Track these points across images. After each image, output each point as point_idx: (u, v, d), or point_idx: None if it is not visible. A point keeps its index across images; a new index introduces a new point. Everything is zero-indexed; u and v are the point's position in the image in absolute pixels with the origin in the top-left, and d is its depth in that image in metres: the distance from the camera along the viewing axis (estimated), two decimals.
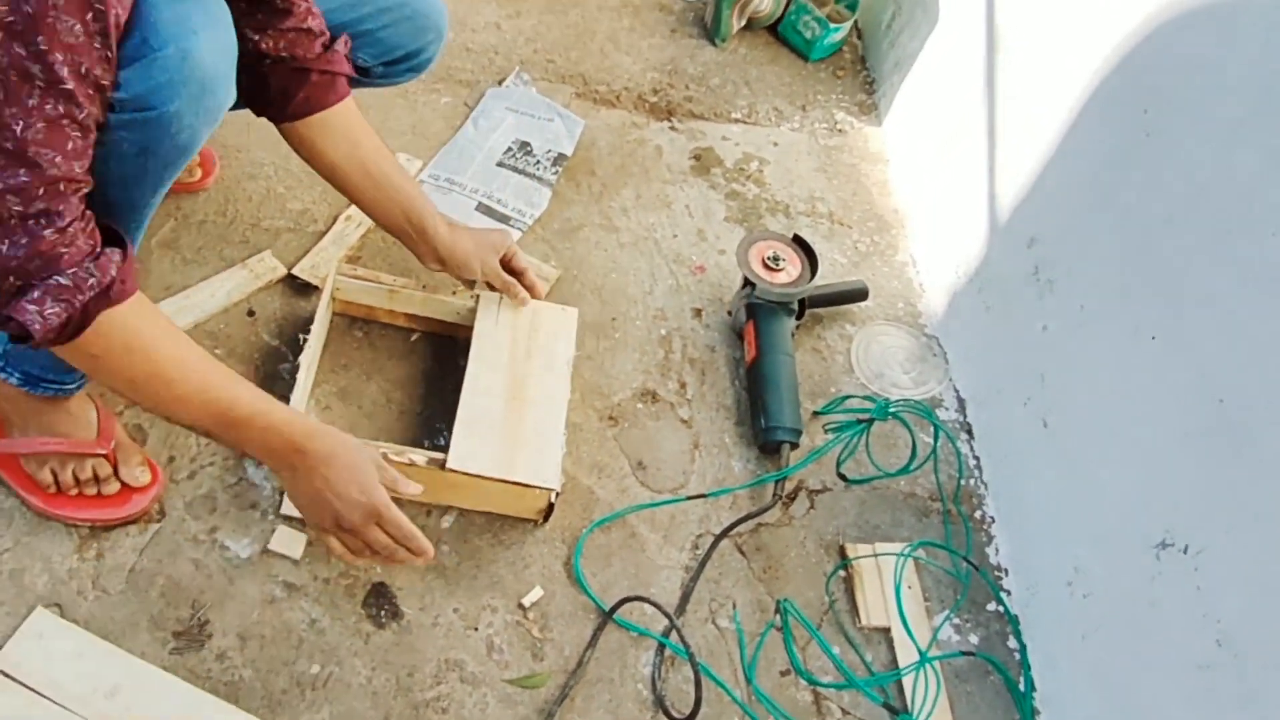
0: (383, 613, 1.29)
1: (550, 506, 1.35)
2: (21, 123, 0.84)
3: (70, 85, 0.85)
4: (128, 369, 1.01)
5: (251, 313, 1.52)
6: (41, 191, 0.88)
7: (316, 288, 1.55)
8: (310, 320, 1.45)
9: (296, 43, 1.23)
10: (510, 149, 1.85)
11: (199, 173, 1.65)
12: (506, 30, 2.12)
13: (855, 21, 2.31)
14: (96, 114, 0.91)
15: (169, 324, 1.05)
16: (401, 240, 1.44)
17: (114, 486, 1.27)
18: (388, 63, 1.43)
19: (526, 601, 1.33)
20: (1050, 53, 1.58)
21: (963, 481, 1.57)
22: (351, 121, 1.33)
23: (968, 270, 1.71)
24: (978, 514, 1.55)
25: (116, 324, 0.97)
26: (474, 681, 1.26)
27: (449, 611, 1.30)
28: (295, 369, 1.39)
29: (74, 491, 1.26)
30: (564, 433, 1.39)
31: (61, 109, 0.86)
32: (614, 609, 1.33)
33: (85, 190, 0.93)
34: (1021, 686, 1.38)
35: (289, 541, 1.31)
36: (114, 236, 0.99)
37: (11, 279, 0.90)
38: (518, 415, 1.38)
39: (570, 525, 1.41)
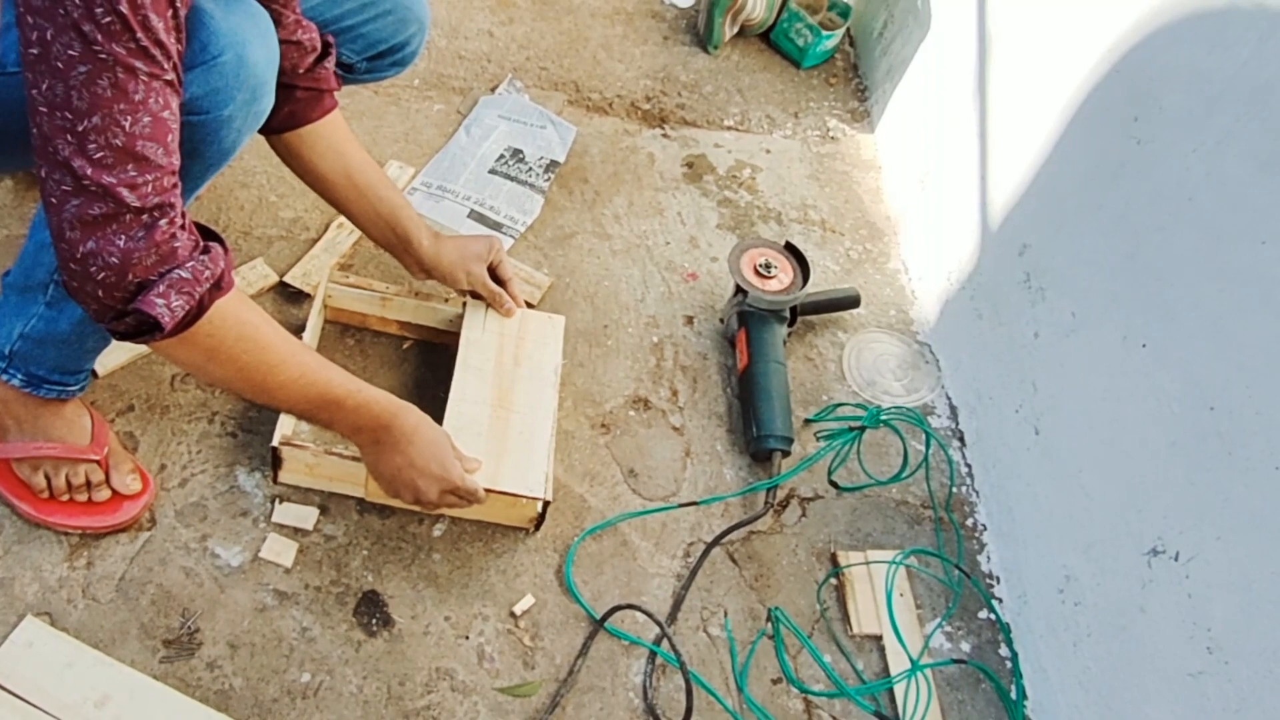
0: (374, 621, 1.28)
1: (542, 515, 1.35)
2: (129, 118, 0.86)
3: (170, 75, 0.88)
4: (239, 357, 1.03)
5: None
6: (152, 186, 0.89)
7: (308, 295, 1.55)
8: (302, 328, 1.44)
9: (284, 55, 1.23)
10: (503, 156, 1.85)
11: None
12: (499, 37, 2.13)
13: (848, 29, 2.31)
14: (179, 105, 0.93)
15: (265, 313, 1.08)
16: (388, 250, 1.45)
17: (105, 493, 1.27)
18: (371, 58, 1.44)
19: (518, 610, 1.32)
20: (1041, 60, 1.58)
21: (954, 489, 1.57)
22: (337, 134, 1.35)
23: (959, 277, 1.71)
24: (969, 521, 1.55)
25: (229, 314, 1.00)
26: (465, 690, 1.26)
27: (440, 620, 1.30)
28: None
29: (65, 497, 1.26)
30: (551, 441, 1.39)
31: (163, 100, 0.88)
32: (605, 617, 1.33)
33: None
34: (1013, 694, 1.38)
35: (280, 550, 1.30)
36: (206, 229, 1.02)
37: (132, 275, 0.91)
38: (504, 423, 1.38)
39: (562, 533, 1.41)
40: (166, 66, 0.88)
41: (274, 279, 1.56)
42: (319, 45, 1.29)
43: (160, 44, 0.86)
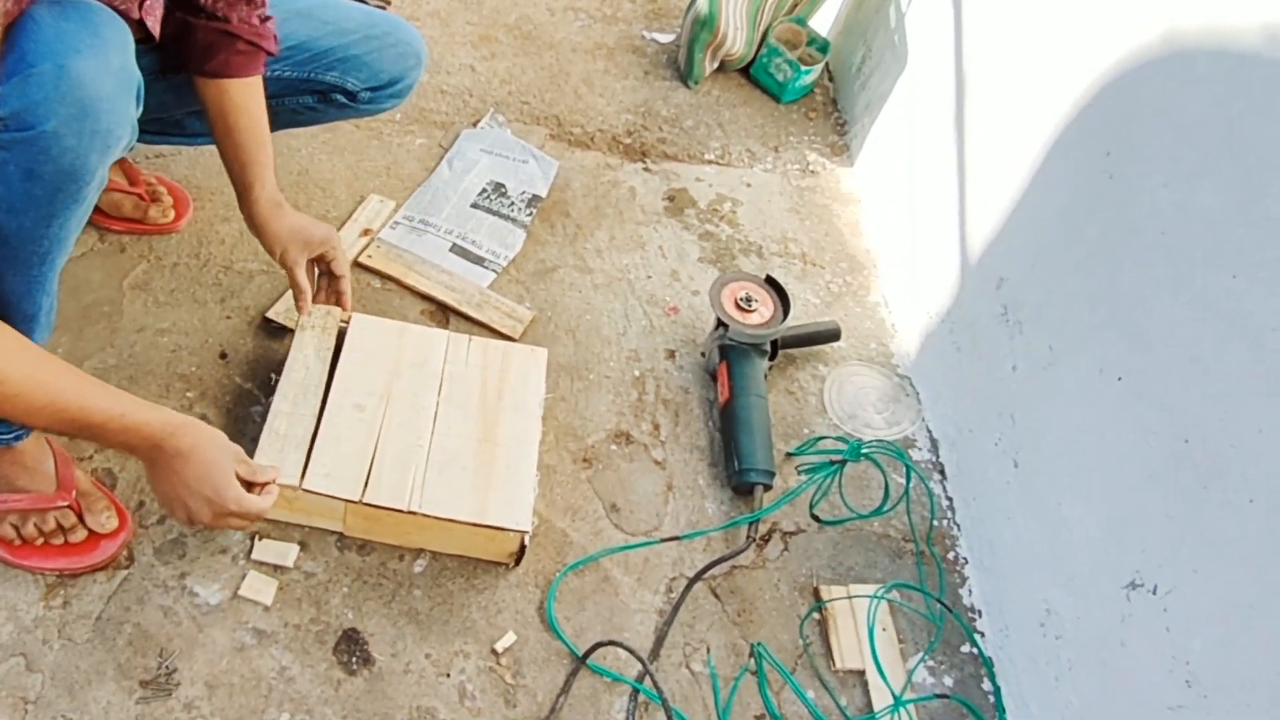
0: (354, 659, 1.28)
1: (522, 549, 1.35)
2: None
3: None
4: None
5: (224, 355, 1.52)
6: None
7: (290, 330, 1.55)
8: (282, 361, 1.44)
9: (234, 6, 1.27)
10: (485, 190, 1.86)
11: (172, 214, 1.65)
12: (481, 72, 2.14)
13: (826, 64, 2.34)
14: None
15: (15, 340, 1.02)
16: (236, 192, 1.45)
17: (81, 534, 1.26)
18: (373, 88, 1.50)
19: (499, 647, 1.32)
20: (1017, 96, 1.60)
21: (935, 522, 1.58)
22: (251, 100, 1.35)
23: (939, 311, 1.73)
24: (951, 555, 1.55)
25: None
26: None
27: (421, 657, 1.29)
28: (266, 411, 1.38)
29: (40, 541, 1.24)
30: (536, 474, 1.39)
31: None
32: (587, 654, 1.33)
33: None
34: None
35: (260, 587, 1.30)
36: None
37: None
38: (488, 457, 1.38)
39: (544, 569, 1.41)
40: None
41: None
42: (265, 10, 1.31)
43: None
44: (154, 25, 1.22)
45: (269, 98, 1.40)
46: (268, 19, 1.33)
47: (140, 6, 1.17)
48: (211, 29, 1.28)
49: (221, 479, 1.14)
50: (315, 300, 1.51)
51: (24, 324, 1.11)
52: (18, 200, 0.99)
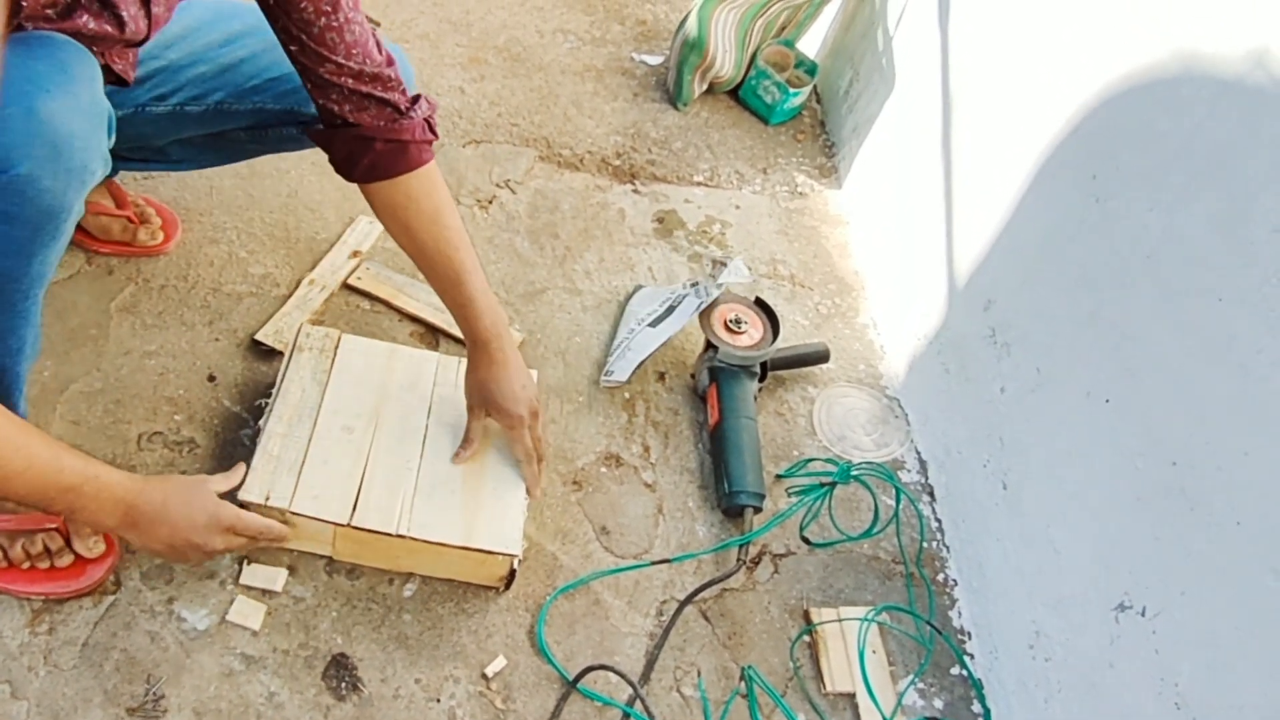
0: (343, 685, 1.27)
1: (512, 573, 1.35)
2: None
3: None
4: None
5: (212, 378, 1.51)
6: None
7: (279, 352, 1.55)
8: (272, 384, 1.44)
9: (364, 109, 1.24)
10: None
11: (160, 236, 1.64)
12: (470, 94, 2.15)
13: (814, 86, 2.36)
14: None
15: None
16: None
17: (67, 558, 1.25)
18: None
19: (489, 671, 1.31)
20: (1004, 120, 1.62)
21: (925, 544, 1.58)
22: (410, 202, 1.30)
23: (927, 332, 1.74)
24: (940, 577, 1.56)
25: None
26: None
27: (410, 682, 1.29)
28: (256, 435, 1.37)
29: (26, 565, 1.24)
30: (525, 498, 1.38)
31: None
32: (578, 678, 1.32)
33: None
34: None
35: (248, 612, 1.29)
36: None
37: None
38: (477, 480, 1.37)
39: (534, 592, 1.40)
40: None
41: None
42: (397, 102, 1.26)
43: None
44: (124, 70, 1.21)
45: (252, 128, 1.39)
46: (405, 110, 1.27)
47: (102, 54, 1.15)
48: (347, 136, 1.26)
49: (207, 502, 1.16)
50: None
51: (9, 357, 1.11)
52: None
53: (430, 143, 1.31)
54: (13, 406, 1.15)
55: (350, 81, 1.21)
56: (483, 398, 1.38)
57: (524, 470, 1.41)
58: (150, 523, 1.11)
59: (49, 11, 0.96)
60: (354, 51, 1.19)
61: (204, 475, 1.20)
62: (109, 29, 1.03)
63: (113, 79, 1.19)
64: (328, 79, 1.20)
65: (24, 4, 0.92)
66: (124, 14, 1.03)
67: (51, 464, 1.02)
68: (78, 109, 0.97)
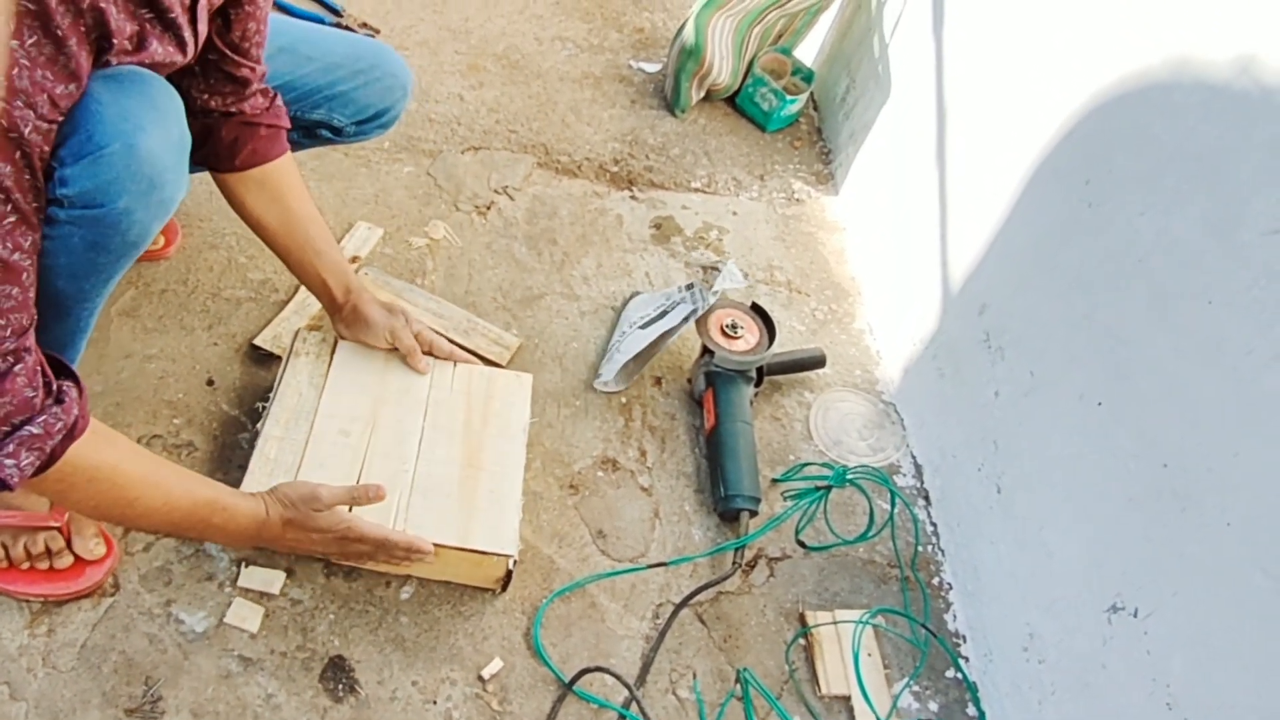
0: (340, 687, 1.27)
1: (508, 574, 1.35)
2: None
3: (13, 218, 0.86)
4: (93, 496, 1.02)
5: (211, 382, 1.52)
6: (9, 332, 0.87)
7: (277, 357, 1.56)
8: (269, 389, 1.45)
9: (244, 98, 1.29)
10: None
11: (161, 241, 1.66)
12: (469, 101, 2.16)
13: (811, 93, 2.37)
14: (37, 240, 0.91)
15: (126, 444, 1.06)
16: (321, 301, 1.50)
17: (67, 560, 1.26)
18: (360, 121, 1.52)
19: (486, 673, 1.32)
20: (998, 125, 1.63)
21: (920, 548, 1.59)
22: (285, 180, 1.37)
23: (922, 337, 1.74)
24: (935, 580, 1.56)
25: (81, 460, 0.97)
26: None
27: (407, 684, 1.29)
28: (254, 438, 1.38)
29: (25, 565, 1.24)
30: (520, 499, 1.39)
31: (12, 243, 0.86)
32: (574, 680, 1.33)
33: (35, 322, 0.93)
34: None
35: (246, 615, 1.30)
36: (59, 364, 0.98)
37: None
38: (473, 482, 1.38)
39: (530, 595, 1.41)
40: (6, 210, 0.85)
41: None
42: (270, 90, 1.34)
43: (3, 189, 0.84)
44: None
45: None
46: (274, 96, 1.34)
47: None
48: (233, 124, 1.30)
49: (330, 522, 1.23)
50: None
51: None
52: (80, 268, 1.02)
53: (287, 129, 1.37)
54: None
55: (255, 84, 1.29)
56: (355, 335, 1.49)
57: (419, 357, 1.49)
58: (280, 543, 1.23)
59: (128, 44, 0.99)
60: (259, 58, 1.28)
61: (317, 488, 1.22)
62: (174, 51, 1.07)
63: None
64: (244, 78, 1.27)
65: (114, 41, 0.94)
66: (184, 35, 1.07)
67: (185, 498, 1.10)
68: (169, 145, 1.02)
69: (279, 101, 1.35)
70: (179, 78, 1.25)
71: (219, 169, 1.34)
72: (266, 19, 1.25)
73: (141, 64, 1.02)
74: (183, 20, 1.05)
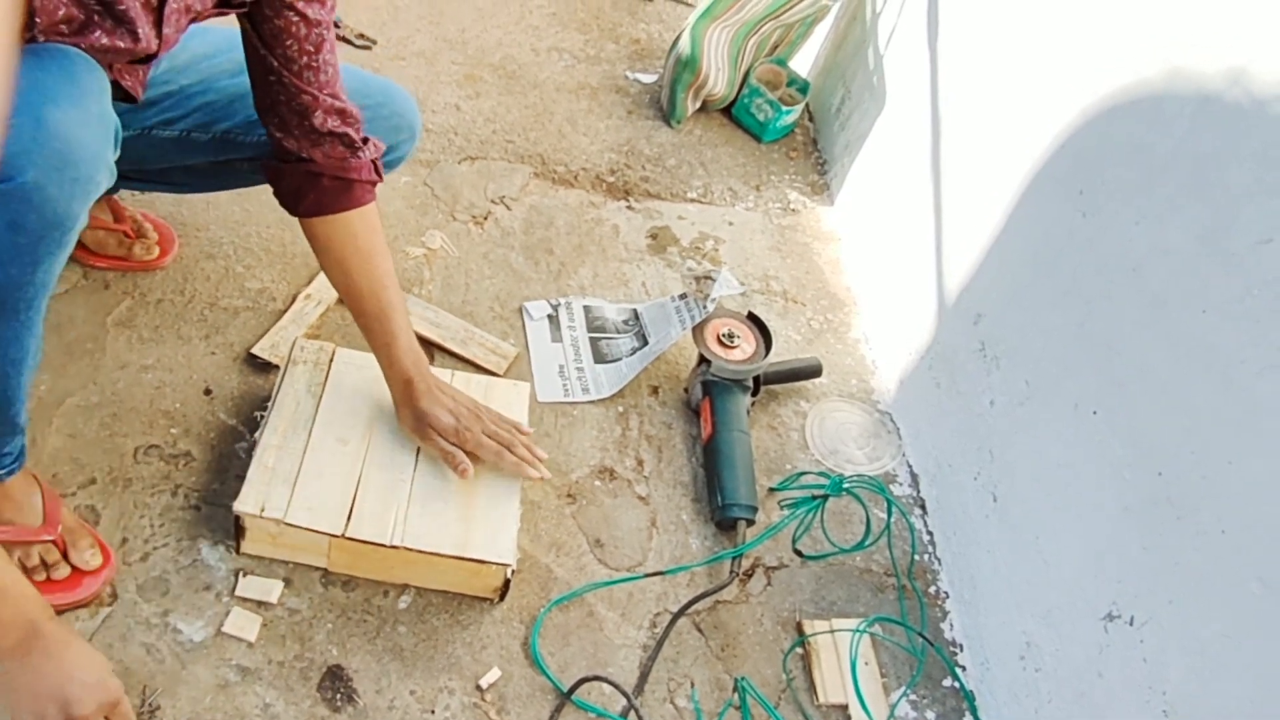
0: (338, 696, 1.27)
1: (506, 584, 1.35)
2: None
3: None
4: None
5: (208, 391, 1.52)
6: None
7: (275, 366, 1.56)
8: (267, 398, 1.45)
9: (318, 144, 1.27)
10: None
11: (157, 251, 1.65)
12: (466, 111, 2.17)
13: (806, 104, 2.38)
14: None
15: None
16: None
17: (64, 570, 1.25)
18: None
19: (484, 683, 1.32)
20: (992, 136, 1.64)
21: (917, 556, 1.59)
22: (349, 239, 1.33)
23: (918, 347, 1.75)
24: (932, 589, 1.57)
25: None
26: None
27: (405, 694, 1.29)
28: (251, 447, 1.38)
29: None
30: (518, 508, 1.39)
31: None
32: (572, 689, 1.33)
33: None
34: None
35: (243, 624, 1.29)
36: None
37: None
38: (471, 492, 1.38)
39: (528, 604, 1.41)
40: None
41: None
42: (354, 139, 1.29)
43: None
44: (133, 86, 1.22)
45: (256, 159, 1.38)
46: (358, 148, 1.30)
47: (112, 68, 1.16)
48: (298, 171, 1.29)
49: (107, 672, 1.04)
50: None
51: (11, 366, 1.12)
52: (3, 251, 0.99)
53: (374, 184, 1.34)
54: (13, 417, 1.16)
55: (319, 114, 1.25)
56: (419, 425, 1.39)
57: (505, 466, 1.40)
58: (44, 655, 0.99)
59: (63, 27, 0.97)
60: (326, 88, 1.24)
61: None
62: (121, 44, 1.04)
63: (121, 95, 1.21)
64: (305, 106, 1.23)
65: (39, 19, 0.93)
66: (139, 30, 1.05)
67: None
68: (85, 120, 0.98)
69: (364, 155, 1.31)
70: (263, 118, 1.27)
71: (287, 210, 1.33)
72: (322, 41, 1.22)
73: (78, 46, 0.99)
74: (139, 14, 1.03)
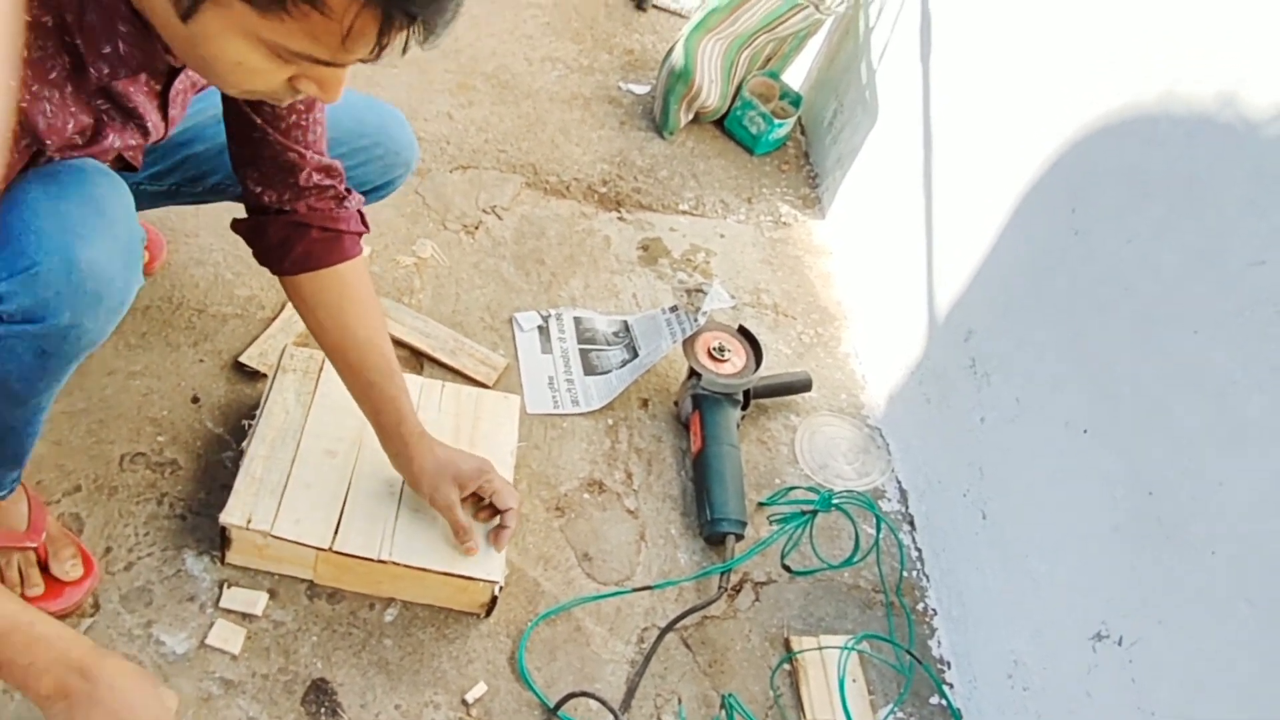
0: (322, 710, 1.26)
1: (493, 600, 1.34)
2: None
3: None
4: None
5: (196, 399, 1.51)
6: None
7: (263, 375, 1.55)
8: (255, 406, 1.44)
9: (301, 196, 1.21)
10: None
11: (146, 257, 1.64)
12: (458, 120, 2.16)
13: (799, 117, 2.38)
14: None
15: None
16: (371, 422, 1.34)
17: (38, 582, 1.24)
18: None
19: (470, 698, 1.31)
20: (985, 153, 1.64)
21: (905, 573, 1.59)
22: (338, 294, 1.25)
23: (908, 362, 1.75)
24: (920, 606, 1.56)
25: None
26: None
27: (390, 709, 1.28)
28: (239, 457, 1.37)
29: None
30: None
31: None
32: (558, 705, 1.32)
33: None
34: None
35: (227, 636, 1.28)
36: None
37: None
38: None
39: (515, 618, 1.40)
40: None
41: None
42: (339, 191, 1.24)
43: None
44: (133, 157, 1.16)
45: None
46: (344, 199, 1.24)
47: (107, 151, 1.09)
48: (281, 222, 1.21)
49: (164, 709, 0.96)
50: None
51: (29, 440, 1.13)
52: (30, 373, 0.98)
53: (361, 234, 1.27)
54: (23, 455, 1.16)
55: (306, 171, 1.19)
56: (451, 476, 1.31)
57: (510, 520, 1.35)
58: (89, 702, 0.91)
59: (76, 139, 0.94)
60: (313, 146, 1.19)
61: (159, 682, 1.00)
62: (134, 141, 1.02)
63: (122, 164, 1.16)
64: (291, 163, 1.18)
65: (49, 141, 0.90)
66: (148, 124, 1.02)
67: None
68: (114, 250, 0.95)
69: (349, 205, 1.25)
70: (238, 168, 1.20)
71: (270, 268, 1.25)
72: (313, 101, 1.14)
73: (93, 155, 0.97)
74: (147, 107, 1.01)
